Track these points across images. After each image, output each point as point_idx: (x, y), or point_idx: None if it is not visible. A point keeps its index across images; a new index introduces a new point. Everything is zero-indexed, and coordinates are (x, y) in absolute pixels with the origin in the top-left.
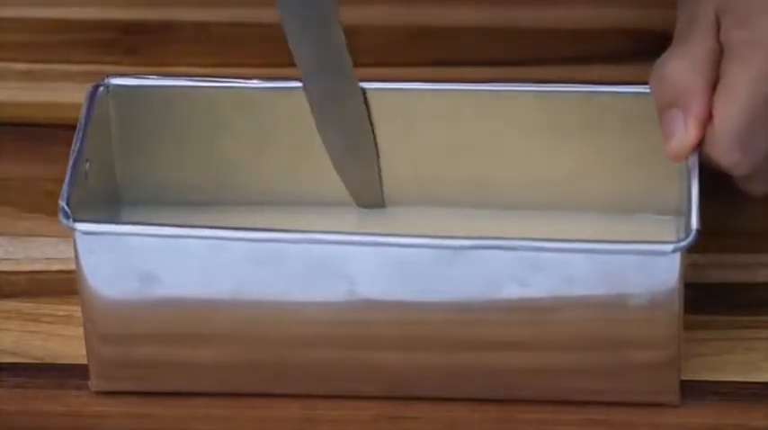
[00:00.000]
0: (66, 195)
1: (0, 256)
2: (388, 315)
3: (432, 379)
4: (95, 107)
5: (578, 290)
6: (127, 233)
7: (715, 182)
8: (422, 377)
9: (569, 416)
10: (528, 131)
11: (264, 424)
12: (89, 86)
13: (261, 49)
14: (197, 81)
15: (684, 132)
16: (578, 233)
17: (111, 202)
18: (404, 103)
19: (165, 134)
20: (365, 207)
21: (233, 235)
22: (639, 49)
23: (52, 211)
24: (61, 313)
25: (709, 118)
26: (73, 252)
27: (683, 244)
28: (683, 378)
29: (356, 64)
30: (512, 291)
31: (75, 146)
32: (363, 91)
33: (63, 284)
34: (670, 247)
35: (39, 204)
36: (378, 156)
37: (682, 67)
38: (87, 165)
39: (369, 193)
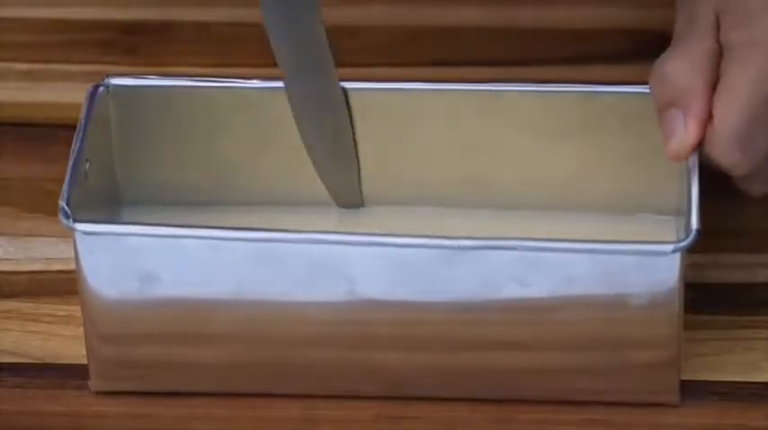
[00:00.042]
0: (66, 195)
1: (0, 256)
2: (389, 315)
3: (432, 379)
4: (95, 107)
5: (578, 290)
6: (127, 233)
7: (715, 182)
8: (422, 377)
9: (569, 416)
10: (528, 131)
11: (264, 424)
12: (89, 86)
13: (261, 49)
14: (197, 81)
15: (684, 132)
16: (578, 233)
17: (111, 202)
18: (404, 103)
19: (164, 134)
20: (344, 207)
21: (233, 235)
22: (639, 49)
23: (52, 211)
24: (61, 313)
25: (709, 118)
26: (73, 252)
27: (683, 244)
28: (683, 378)
29: (356, 64)
30: (512, 291)
31: (75, 146)
32: (345, 91)
33: (63, 284)
34: (670, 247)
35: (39, 204)
36: (357, 156)
37: (681, 67)
38: (87, 165)
39: (348, 193)
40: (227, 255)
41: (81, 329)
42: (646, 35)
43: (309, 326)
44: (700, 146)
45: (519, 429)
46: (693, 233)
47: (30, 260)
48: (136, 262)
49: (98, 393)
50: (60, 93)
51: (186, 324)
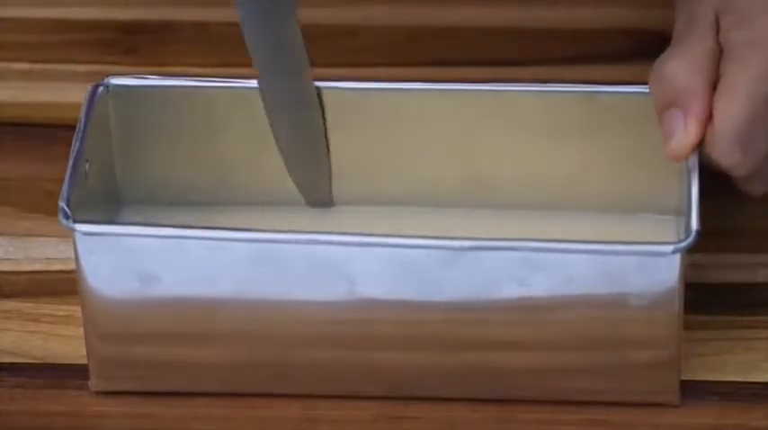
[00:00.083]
0: (66, 195)
1: (0, 256)
2: (389, 315)
3: (432, 379)
4: (95, 107)
5: (578, 290)
6: (127, 233)
7: (715, 182)
8: (422, 377)
9: (569, 416)
10: (528, 131)
11: (264, 424)
12: (89, 86)
13: None
14: (196, 81)
15: (684, 132)
16: (578, 233)
17: (110, 202)
18: (404, 103)
19: (164, 134)
20: (314, 206)
21: (233, 235)
22: (639, 49)
23: (52, 211)
24: (61, 313)
25: (709, 118)
26: (73, 252)
27: (683, 244)
28: (683, 378)
29: (356, 64)
30: (512, 291)
31: (75, 146)
32: (318, 90)
33: (63, 284)
34: (670, 248)
35: (39, 204)
36: (329, 156)
37: (681, 68)
38: (87, 165)
39: (318, 192)
40: (227, 255)
41: (81, 329)
42: (646, 35)
43: (309, 326)
44: (700, 146)
45: (519, 429)
46: (693, 233)
47: (30, 260)
48: (136, 262)
49: (98, 393)
50: (60, 93)
51: (186, 324)
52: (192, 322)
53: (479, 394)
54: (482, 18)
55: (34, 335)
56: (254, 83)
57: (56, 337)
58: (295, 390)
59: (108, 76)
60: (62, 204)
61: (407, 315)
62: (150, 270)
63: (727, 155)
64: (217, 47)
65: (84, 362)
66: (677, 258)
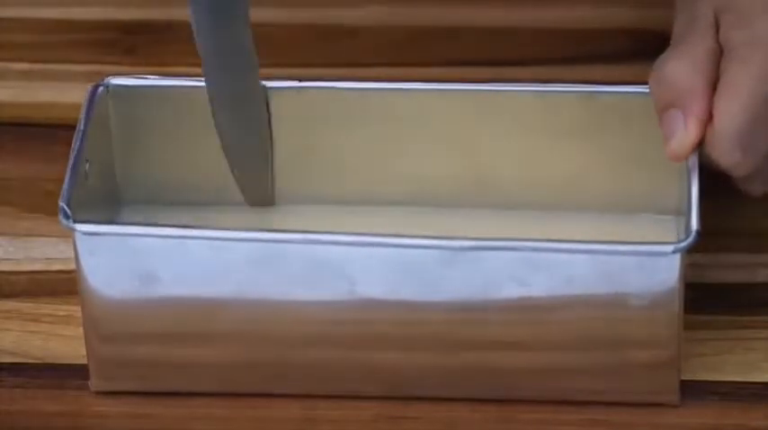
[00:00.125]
0: (66, 195)
1: (0, 256)
2: (389, 315)
3: (432, 379)
4: (95, 107)
5: (578, 290)
6: (127, 233)
7: (715, 182)
8: (422, 377)
9: (569, 416)
10: (528, 131)
11: (264, 424)
12: (89, 86)
13: (260, 49)
14: (197, 81)
15: (684, 132)
16: (578, 233)
17: (111, 202)
18: (404, 103)
19: (165, 134)
20: (255, 205)
21: (233, 235)
22: (639, 49)
23: (52, 211)
24: (61, 313)
25: (709, 118)
26: (73, 252)
27: (683, 245)
28: (683, 378)
29: (356, 64)
30: (512, 291)
31: (75, 146)
32: (265, 91)
33: (63, 284)
34: (670, 248)
35: (39, 204)
36: (272, 156)
37: (681, 67)
38: (87, 165)
39: (260, 192)
40: (228, 255)
41: (81, 329)
42: (646, 35)
43: (309, 326)
44: (700, 146)
45: (519, 429)
46: (693, 233)
47: (30, 260)
48: (136, 262)
49: (98, 393)
50: (60, 93)
51: (186, 324)
52: (192, 322)
53: (479, 394)
54: (482, 18)
55: (34, 335)
56: None
57: (56, 337)
58: (295, 390)
59: (108, 75)
60: (62, 204)
61: (407, 315)
62: (150, 270)
63: (727, 155)
64: None
65: (84, 362)
66: (677, 258)
